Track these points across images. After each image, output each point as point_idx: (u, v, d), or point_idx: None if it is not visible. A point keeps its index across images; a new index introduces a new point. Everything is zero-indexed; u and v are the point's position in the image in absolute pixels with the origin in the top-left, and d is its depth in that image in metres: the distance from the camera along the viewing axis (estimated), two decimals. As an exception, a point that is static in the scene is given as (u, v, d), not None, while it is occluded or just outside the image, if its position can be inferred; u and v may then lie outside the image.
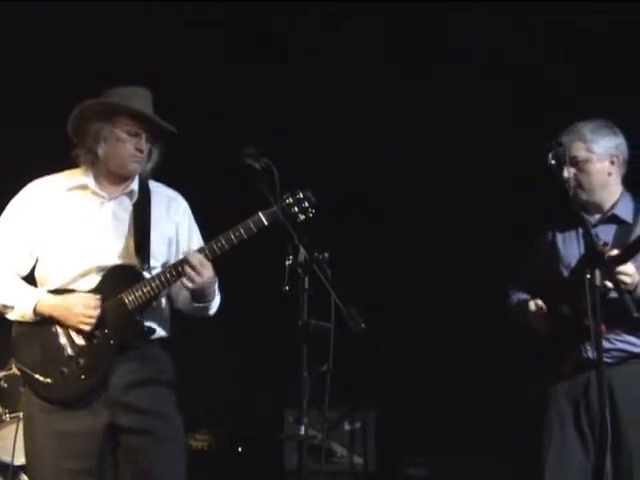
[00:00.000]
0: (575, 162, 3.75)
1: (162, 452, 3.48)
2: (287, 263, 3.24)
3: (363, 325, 3.14)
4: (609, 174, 3.74)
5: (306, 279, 3.21)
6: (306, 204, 3.44)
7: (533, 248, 4.01)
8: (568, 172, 3.74)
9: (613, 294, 3.50)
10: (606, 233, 3.69)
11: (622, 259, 3.54)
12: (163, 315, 3.64)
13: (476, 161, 5.65)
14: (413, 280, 5.88)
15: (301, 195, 3.44)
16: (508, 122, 3.79)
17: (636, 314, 3.63)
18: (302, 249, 3.22)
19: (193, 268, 3.41)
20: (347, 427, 5.72)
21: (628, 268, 3.53)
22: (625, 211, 3.73)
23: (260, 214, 3.42)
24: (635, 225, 3.70)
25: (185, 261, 3.43)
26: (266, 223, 3.42)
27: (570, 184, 3.76)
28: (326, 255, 3.23)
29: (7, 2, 5.19)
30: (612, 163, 3.71)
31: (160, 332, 3.59)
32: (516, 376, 3.88)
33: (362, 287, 4.22)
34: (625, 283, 3.52)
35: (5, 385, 4.47)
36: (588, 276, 3.30)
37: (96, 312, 3.44)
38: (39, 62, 5.45)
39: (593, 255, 3.21)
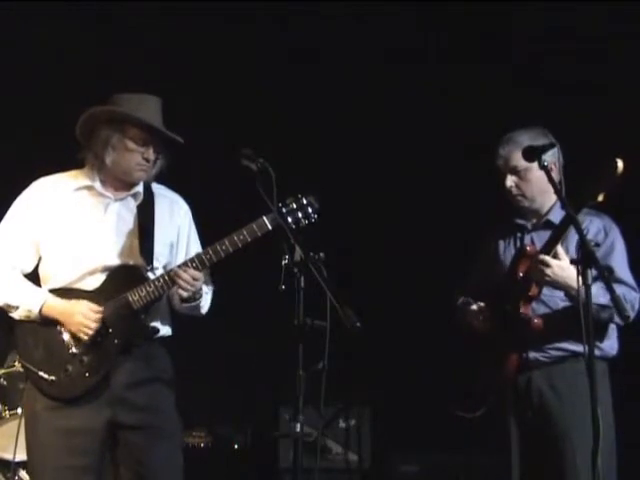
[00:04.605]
0: (516, 171, 3.84)
1: (161, 449, 3.52)
2: (283, 262, 3.25)
3: (358, 324, 3.16)
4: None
5: (302, 278, 3.23)
6: (310, 210, 3.43)
7: (477, 255, 4.10)
8: (510, 181, 3.85)
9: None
10: (541, 238, 3.79)
11: (545, 250, 3.64)
12: (166, 314, 3.67)
13: (475, 161, 5.67)
14: (407, 279, 5.90)
15: (305, 201, 3.43)
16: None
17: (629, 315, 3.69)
18: (298, 248, 3.24)
19: (186, 281, 3.44)
20: (342, 424, 5.72)
21: (549, 259, 3.60)
22: (558, 216, 3.76)
23: (264, 218, 3.41)
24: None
25: (176, 274, 3.44)
26: (270, 227, 3.41)
27: (512, 192, 3.86)
28: (322, 254, 3.24)
29: (7, 2, 5.23)
30: (550, 170, 3.63)
31: (163, 331, 3.62)
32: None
33: (356, 286, 4.26)
34: (542, 273, 3.60)
35: (4, 382, 4.48)
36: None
37: (94, 324, 3.45)
38: (39, 62, 5.48)
39: (585, 254, 3.25)
